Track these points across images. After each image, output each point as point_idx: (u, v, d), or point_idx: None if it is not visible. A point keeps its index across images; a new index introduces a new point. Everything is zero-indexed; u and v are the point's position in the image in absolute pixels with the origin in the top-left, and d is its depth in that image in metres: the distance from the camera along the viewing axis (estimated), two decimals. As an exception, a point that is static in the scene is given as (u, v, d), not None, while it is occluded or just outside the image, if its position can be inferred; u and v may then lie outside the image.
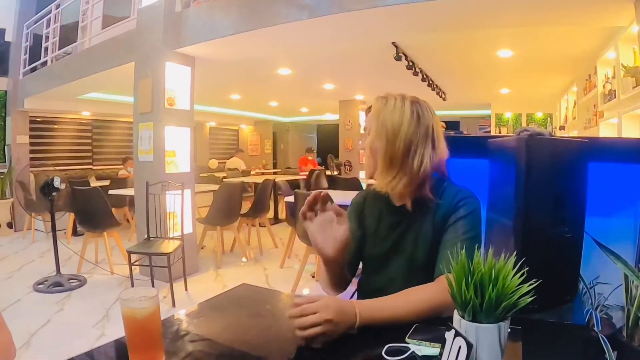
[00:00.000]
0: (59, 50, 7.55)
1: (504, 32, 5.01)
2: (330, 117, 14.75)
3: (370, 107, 1.51)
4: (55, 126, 9.62)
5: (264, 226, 6.97)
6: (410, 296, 1.25)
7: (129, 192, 6.59)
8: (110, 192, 6.84)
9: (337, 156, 11.57)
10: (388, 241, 1.50)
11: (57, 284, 4.85)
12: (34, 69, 8.20)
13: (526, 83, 8.42)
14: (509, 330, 0.89)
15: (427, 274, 1.37)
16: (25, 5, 8.74)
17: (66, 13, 7.56)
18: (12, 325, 1.26)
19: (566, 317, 1.85)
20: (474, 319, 0.87)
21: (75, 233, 7.51)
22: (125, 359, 0.99)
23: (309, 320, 1.08)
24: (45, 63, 7.87)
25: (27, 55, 8.35)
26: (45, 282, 4.92)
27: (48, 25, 7.73)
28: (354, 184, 7.48)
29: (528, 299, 0.85)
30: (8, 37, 8.85)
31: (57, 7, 7.56)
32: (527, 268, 0.88)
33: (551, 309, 1.72)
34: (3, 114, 8.75)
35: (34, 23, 8.23)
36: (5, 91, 8.75)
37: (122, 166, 9.33)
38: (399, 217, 1.49)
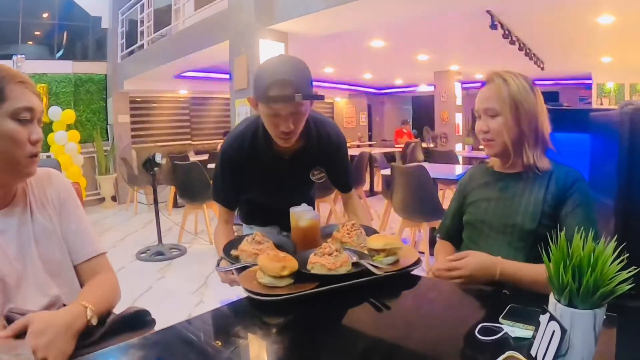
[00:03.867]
0: (154, 33, 7.91)
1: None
2: (425, 88, 14.44)
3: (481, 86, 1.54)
4: (154, 105, 10.15)
5: (360, 198, 6.91)
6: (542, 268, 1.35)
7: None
8: (209, 165, 7.13)
9: (432, 128, 11.39)
10: (493, 204, 1.56)
11: (158, 253, 5.20)
12: (131, 53, 8.67)
13: (629, 50, 7.83)
14: (605, 317, 0.87)
15: (528, 243, 1.45)
16: (119, -8, 9.20)
17: (158, -3, 7.89)
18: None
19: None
20: (569, 304, 0.86)
21: (175, 205, 7.93)
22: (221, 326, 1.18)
23: (452, 276, 1.41)
24: (142, 46, 8.28)
25: (123, 40, 8.82)
26: (148, 251, 5.28)
27: (142, 11, 8.10)
28: (450, 157, 7.39)
29: (626, 287, 0.82)
30: (104, 24, 9.42)
31: (150, -8, 7.90)
32: (627, 254, 0.85)
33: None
34: (104, 96, 9.38)
35: (128, 9, 8.65)
36: (105, 75, 9.36)
37: (222, 139, 9.62)
38: (506, 182, 1.56)
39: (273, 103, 1.48)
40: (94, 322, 1.17)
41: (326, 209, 6.59)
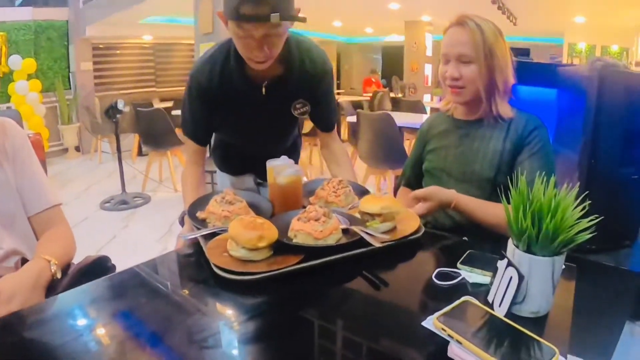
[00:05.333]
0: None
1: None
2: (396, 38, 14.24)
3: (448, 29, 1.47)
4: (118, 51, 9.74)
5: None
6: (496, 208, 1.34)
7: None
8: (174, 112, 6.98)
9: (401, 78, 11.33)
10: (452, 152, 1.54)
11: (122, 202, 5.12)
12: (94, -2, 8.27)
13: (603, 12, 7.84)
14: (564, 266, 0.86)
15: (487, 191, 1.45)
16: None
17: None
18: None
19: (623, 263, 1.79)
20: (528, 250, 0.85)
21: (140, 153, 7.77)
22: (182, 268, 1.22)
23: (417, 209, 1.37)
24: (104, -10, 7.91)
25: (86, -16, 8.38)
26: (112, 201, 5.20)
27: (105, -48, 7.69)
28: (417, 107, 7.42)
29: (586, 235, 0.81)
30: (67, -32, 8.91)
31: None
32: (589, 202, 0.84)
33: (609, 251, 1.67)
34: (66, 43, 8.93)
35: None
36: (67, 21, 8.88)
37: None
38: (466, 129, 1.53)
39: (245, 22, 1.25)
40: (59, 275, 1.18)
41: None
